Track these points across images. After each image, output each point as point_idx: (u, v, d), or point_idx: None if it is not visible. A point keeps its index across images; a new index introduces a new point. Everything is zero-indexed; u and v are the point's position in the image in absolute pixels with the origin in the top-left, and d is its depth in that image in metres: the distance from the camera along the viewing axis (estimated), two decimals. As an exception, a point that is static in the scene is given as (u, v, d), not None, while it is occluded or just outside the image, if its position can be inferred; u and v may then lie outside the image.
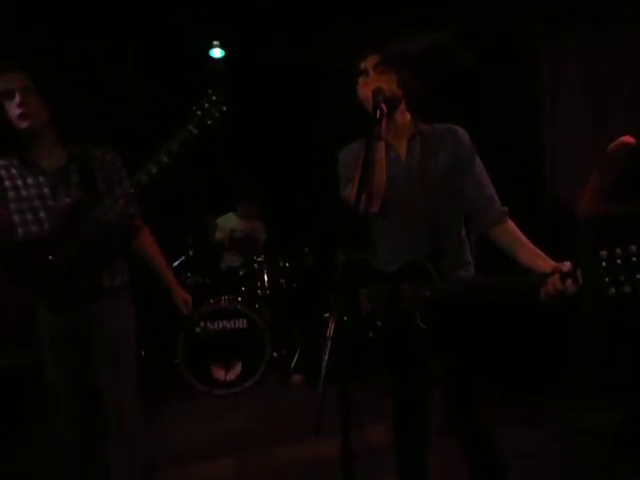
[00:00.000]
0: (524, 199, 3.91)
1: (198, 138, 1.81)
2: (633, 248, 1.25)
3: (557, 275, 1.33)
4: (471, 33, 4.06)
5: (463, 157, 1.65)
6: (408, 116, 1.68)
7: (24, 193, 1.84)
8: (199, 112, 1.81)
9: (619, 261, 1.26)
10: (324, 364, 1.21)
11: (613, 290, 1.27)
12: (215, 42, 4.54)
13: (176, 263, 4.22)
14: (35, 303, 1.90)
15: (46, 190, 1.85)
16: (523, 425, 2.76)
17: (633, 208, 1.97)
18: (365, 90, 1.61)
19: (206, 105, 1.82)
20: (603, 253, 1.28)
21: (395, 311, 1.57)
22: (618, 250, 1.27)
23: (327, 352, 1.24)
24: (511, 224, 1.62)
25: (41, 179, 1.85)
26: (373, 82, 1.59)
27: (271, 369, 3.72)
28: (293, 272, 4.08)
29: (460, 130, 1.69)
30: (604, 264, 1.27)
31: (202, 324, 3.68)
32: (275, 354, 3.82)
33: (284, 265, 4.08)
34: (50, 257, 1.77)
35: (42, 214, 1.84)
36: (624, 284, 1.25)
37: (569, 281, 1.32)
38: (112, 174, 1.92)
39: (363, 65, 1.62)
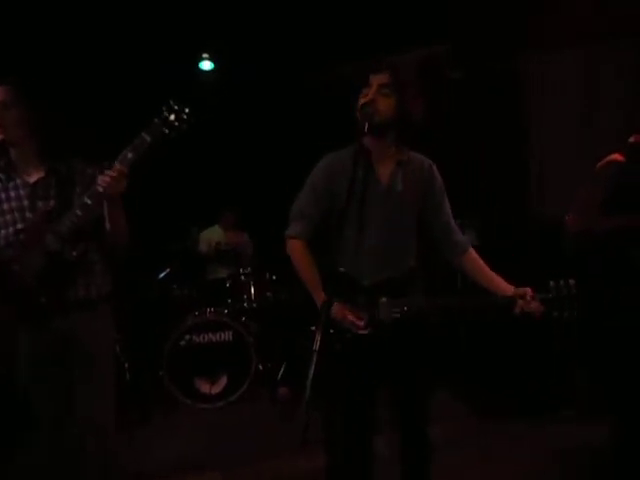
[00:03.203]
0: (509, 213, 3.98)
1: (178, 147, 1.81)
2: (572, 282, 1.55)
3: (527, 297, 1.57)
4: (460, 47, 4.15)
5: (439, 190, 1.79)
6: (395, 141, 1.72)
7: (6, 206, 1.87)
8: (157, 120, 1.81)
9: (565, 291, 1.55)
10: (310, 377, 1.21)
11: (556, 314, 1.55)
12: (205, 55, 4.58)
13: (162, 275, 4.19)
14: (12, 318, 1.87)
15: (25, 202, 1.87)
16: (507, 444, 2.77)
17: (621, 224, 1.99)
18: (360, 100, 1.65)
19: (165, 114, 1.81)
20: (552, 284, 1.56)
21: (371, 324, 1.61)
22: (562, 282, 1.56)
23: (313, 365, 1.24)
24: (474, 252, 1.79)
25: (22, 192, 1.88)
26: (372, 100, 1.63)
27: (257, 382, 3.69)
28: (280, 285, 4.07)
29: (434, 165, 1.82)
30: (552, 294, 1.55)
31: (187, 337, 3.63)
32: (261, 367, 3.78)
33: (271, 278, 4.07)
34: (17, 269, 1.77)
35: (20, 226, 1.85)
36: (565, 310, 1.54)
37: (536, 303, 1.57)
38: (87, 184, 1.89)
39: (371, 79, 1.66)
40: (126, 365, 3.64)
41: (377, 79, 1.65)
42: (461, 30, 4.04)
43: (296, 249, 1.74)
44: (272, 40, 4.16)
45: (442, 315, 1.71)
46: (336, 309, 1.60)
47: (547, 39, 3.96)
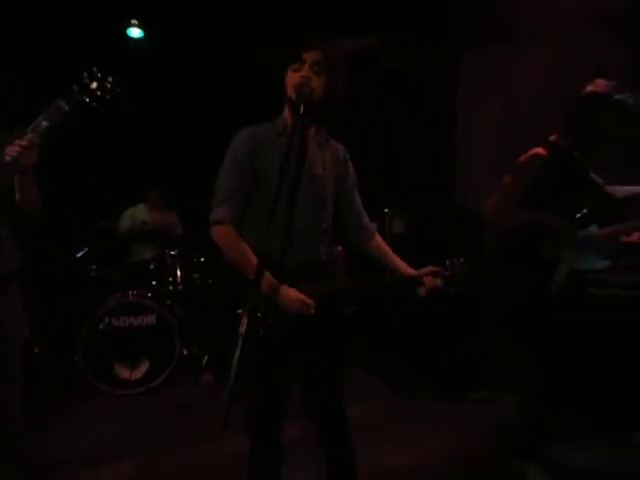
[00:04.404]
0: (436, 207, 4.13)
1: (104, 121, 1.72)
2: (461, 260, 1.70)
3: (430, 275, 1.69)
4: (392, 47, 4.22)
5: (352, 176, 1.83)
6: (315, 121, 1.70)
7: None
8: (76, 87, 1.73)
9: (458, 269, 1.69)
10: (235, 360, 1.18)
11: (452, 289, 1.70)
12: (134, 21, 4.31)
13: (80, 254, 3.95)
14: None
15: None
16: (430, 423, 2.88)
17: (534, 220, 2.11)
18: (295, 77, 1.60)
19: (87, 81, 1.74)
20: (447, 262, 1.70)
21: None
22: (455, 260, 1.70)
23: (239, 348, 1.21)
24: (379, 237, 1.88)
25: None
26: (307, 78, 1.59)
27: (181, 368, 3.58)
28: (208, 268, 3.96)
29: (348, 153, 1.84)
30: (448, 271, 1.69)
31: (106, 320, 3.45)
32: (185, 352, 3.68)
33: (198, 260, 3.95)
34: None
35: None
36: (460, 285, 1.69)
37: (439, 280, 1.69)
38: None
39: (304, 55, 1.61)
40: (36, 349, 3.41)
41: (310, 56, 1.60)
42: (396, 22, 4.09)
43: (223, 234, 1.62)
44: (207, 8, 3.98)
45: (355, 296, 1.74)
46: (285, 291, 1.54)
47: (480, 34, 4.10)
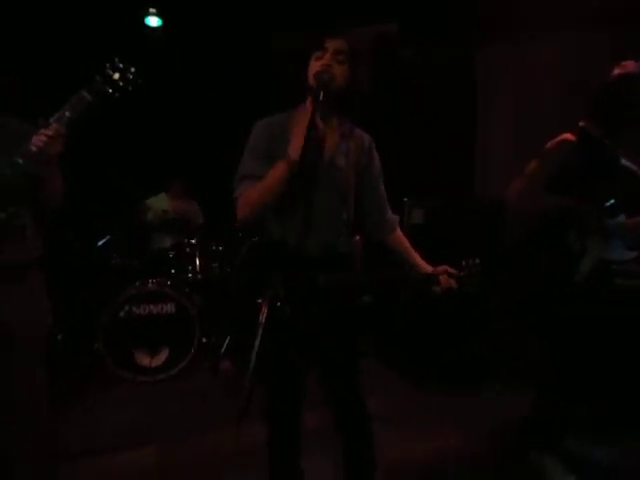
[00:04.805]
0: (455, 195, 4.07)
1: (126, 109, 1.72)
2: (477, 260, 1.71)
3: (446, 275, 1.69)
4: (412, 27, 4.14)
5: (377, 167, 1.79)
6: (341, 112, 1.67)
7: None
8: (99, 78, 1.74)
9: (473, 270, 1.69)
10: (255, 349, 1.17)
11: (467, 290, 1.69)
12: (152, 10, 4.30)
13: (101, 242, 4.00)
14: None
15: None
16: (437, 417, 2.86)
17: (564, 204, 2.06)
18: (316, 66, 1.58)
19: (109, 72, 1.74)
20: (464, 263, 1.70)
21: (308, 298, 1.55)
22: (470, 260, 1.70)
23: (259, 338, 1.21)
24: (400, 231, 1.85)
25: None
26: (328, 66, 1.56)
27: (200, 356, 3.62)
28: (227, 257, 3.98)
29: (373, 142, 1.79)
30: (464, 271, 1.69)
31: (127, 307, 3.49)
32: (204, 340, 3.72)
33: (217, 249, 3.97)
34: None
35: None
36: (474, 285, 1.70)
37: (453, 280, 1.68)
38: (16, 141, 1.73)
39: (327, 43, 1.58)
40: (59, 337, 3.48)
41: (333, 44, 1.58)
42: (413, 10, 4.02)
43: (247, 196, 1.59)
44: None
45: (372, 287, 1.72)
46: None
47: (499, 24, 4.02)
